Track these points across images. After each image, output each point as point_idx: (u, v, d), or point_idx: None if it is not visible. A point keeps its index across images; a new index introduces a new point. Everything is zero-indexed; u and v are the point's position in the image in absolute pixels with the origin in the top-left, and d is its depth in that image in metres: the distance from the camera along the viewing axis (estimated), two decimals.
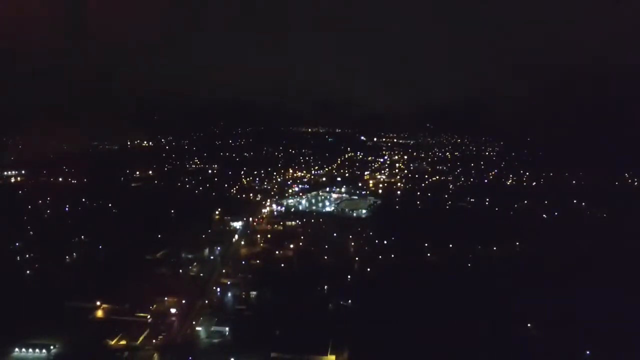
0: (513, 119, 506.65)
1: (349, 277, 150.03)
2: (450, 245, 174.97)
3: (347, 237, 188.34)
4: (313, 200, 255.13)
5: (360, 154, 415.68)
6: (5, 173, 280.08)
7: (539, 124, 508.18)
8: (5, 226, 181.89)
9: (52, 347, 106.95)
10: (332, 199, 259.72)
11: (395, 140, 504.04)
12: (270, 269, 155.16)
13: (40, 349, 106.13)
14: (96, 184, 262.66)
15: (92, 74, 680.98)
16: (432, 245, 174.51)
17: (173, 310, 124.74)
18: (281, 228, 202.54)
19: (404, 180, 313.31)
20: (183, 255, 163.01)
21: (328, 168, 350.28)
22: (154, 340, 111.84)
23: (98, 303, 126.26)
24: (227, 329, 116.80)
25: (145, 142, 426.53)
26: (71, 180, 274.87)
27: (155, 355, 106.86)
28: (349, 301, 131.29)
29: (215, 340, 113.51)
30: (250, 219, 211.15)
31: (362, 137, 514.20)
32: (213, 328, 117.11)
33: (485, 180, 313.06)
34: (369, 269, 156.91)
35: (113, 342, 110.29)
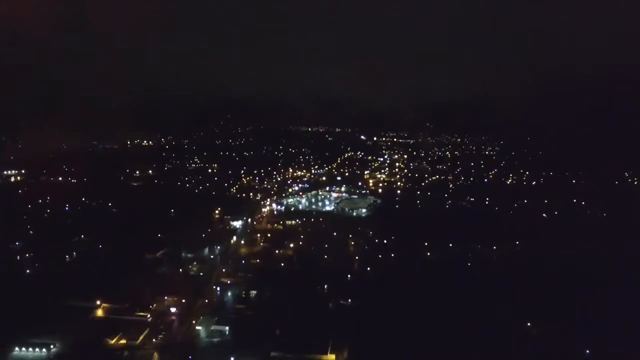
0: (513, 119, 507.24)
1: (348, 276, 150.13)
2: (450, 245, 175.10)
3: (347, 236, 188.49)
4: (313, 200, 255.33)
5: (360, 153, 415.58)
6: (5, 172, 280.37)
7: (539, 123, 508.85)
8: (5, 226, 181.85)
9: (52, 346, 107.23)
10: (332, 198, 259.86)
11: (395, 139, 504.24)
12: (270, 268, 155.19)
13: (41, 348, 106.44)
14: (96, 184, 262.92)
15: (92, 73, 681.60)
16: (432, 245, 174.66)
17: (173, 310, 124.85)
18: (281, 227, 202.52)
19: (403, 180, 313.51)
20: (183, 254, 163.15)
21: (328, 167, 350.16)
22: (153, 340, 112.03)
23: (98, 302, 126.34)
24: (227, 328, 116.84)
25: (145, 142, 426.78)
26: (71, 180, 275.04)
27: (155, 355, 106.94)
28: (349, 300, 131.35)
29: (215, 340, 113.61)
30: (250, 218, 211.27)
31: (362, 137, 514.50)
32: (213, 327, 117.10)
33: (485, 180, 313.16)
34: (368, 268, 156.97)
35: (113, 341, 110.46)
